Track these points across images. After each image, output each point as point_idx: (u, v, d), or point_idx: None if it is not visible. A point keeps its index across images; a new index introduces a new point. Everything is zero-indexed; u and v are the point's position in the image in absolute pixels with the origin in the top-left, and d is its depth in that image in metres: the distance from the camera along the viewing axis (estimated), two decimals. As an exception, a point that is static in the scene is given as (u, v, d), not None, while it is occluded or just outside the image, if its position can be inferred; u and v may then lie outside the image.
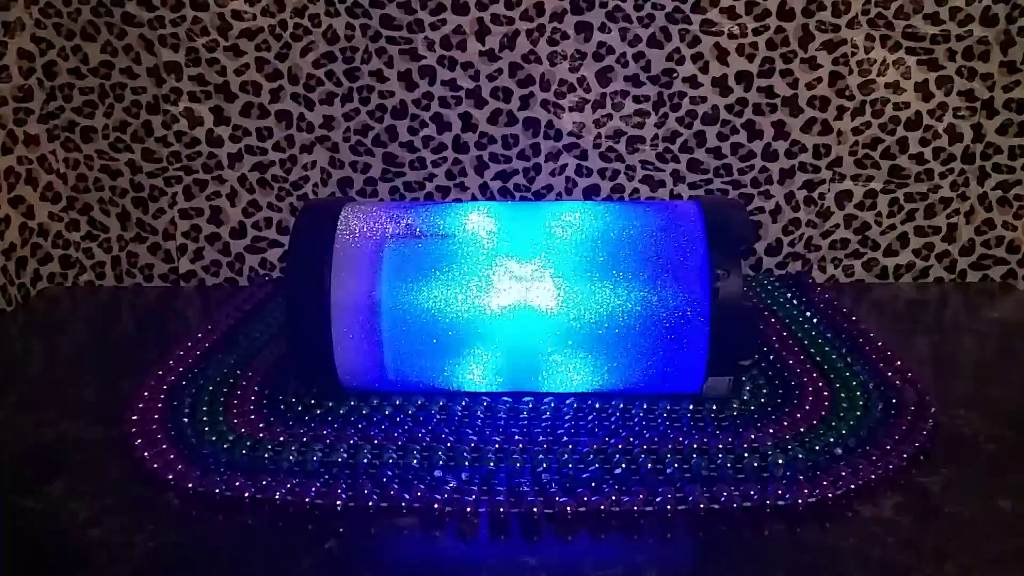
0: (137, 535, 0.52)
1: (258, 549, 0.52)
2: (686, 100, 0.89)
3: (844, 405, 0.64)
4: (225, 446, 0.59)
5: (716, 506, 0.53)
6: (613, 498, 0.53)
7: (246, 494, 0.55)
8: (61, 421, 0.65)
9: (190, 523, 0.54)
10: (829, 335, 0.75)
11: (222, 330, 0.77)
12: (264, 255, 0.94)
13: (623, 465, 0.56)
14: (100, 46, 0.87)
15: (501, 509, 0.53)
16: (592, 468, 0.56)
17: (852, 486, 0.55)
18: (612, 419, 0.62)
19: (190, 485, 0.56)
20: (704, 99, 0.88)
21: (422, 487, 0.55)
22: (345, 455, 0.58)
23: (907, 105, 0.88)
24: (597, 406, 0.64)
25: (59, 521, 0.53)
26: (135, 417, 0.63)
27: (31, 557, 0.51)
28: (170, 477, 0.57)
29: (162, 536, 0.52)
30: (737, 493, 0.54)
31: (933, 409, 0.63)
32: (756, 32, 0.86)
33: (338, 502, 0.54)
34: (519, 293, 0.62)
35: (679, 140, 0.90)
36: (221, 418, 0.63)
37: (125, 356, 0.76)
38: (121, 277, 0.96)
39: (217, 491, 0.55)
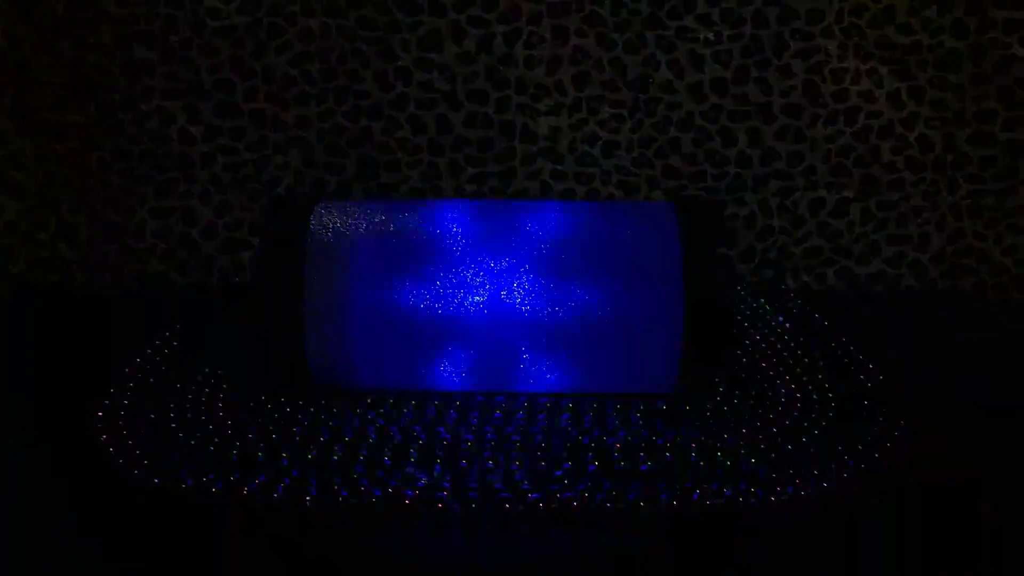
0: (103, 532, 0.51)
1: (227, 546, 0.51)
2: (661, 106, 0.89)
3: (816, 407, 0.64)
4: (193, 442, 0.59)
5: (688, 503, 0.53)
6: (586, 495, 0.53)
7: (214, 490, 0.54)
8: (28, 419, 0.64)
9: (157, 520, 0.53)
10: (801, 339, 0.75)
11: (192, 329, 0.76)
12: (235, 256, 0.93)
13: (596, 463, 0.56)
14: (73, 42, 0.87)
15: (473, 506, 0.53)
16: (565, 466, 0.56)
17: (824, 485, 0.55)
18: (586, 418, 0.62)
19: (157, 480, 0.55)
20: (679, 105, 0.89)
21: (393, 484, 0.54)
22: (316, 452, 0.57)
23: (880, 114, 0.89)
24: (571, 405, 0.64)
25: (23, 519, 0.52)
26: (102, 414, 0.62)
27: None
28: (137, 473, 0.56)
29: (128, 533, 0.52)
30: (710, 491, 0.54)
31: (904, 410, 0.63)
32: (731, 39, 0.87)
33: (308, 498, 0.54)
34: (493, 292, 0.61)
35: (654, 145, 0.90)
36: (190, 415, 0.62)
37: (93, 355, 0.75)
38: (90, 277, 0.94)
39: (185, 487, 0.54)
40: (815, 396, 0.65)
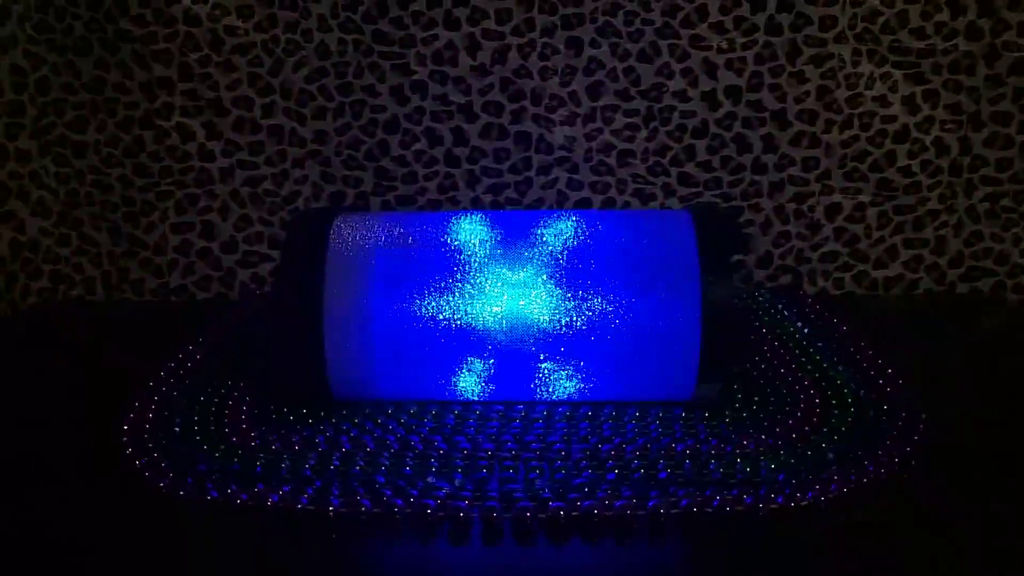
0: (129, 542, 0.52)
1: (251, 556, 0.52)
2: (676, 114, 0.89)
3: (835, 412, 0.64)
4: (217, 454, 0.59)
5: (708, 510, 0.53)
6: (605, 503, 0.53)
7: (238, 501, 0.55)
8: (53, 432, 0.65)
9: (182, 531, 0.53)
10: (820, 344, 0.75)
11: (214, 342, 0.77)
12: (255, 269, 0.94)
13: (615, 471, 0.56)
14: (93, 61, 0.88)
15: (494, 515, 0.53)
16: (584, 474, 0.56)
17: (844, 490, 0.55)
18: (604, 426, 0.63)
19: (182, 492, 0.56)
20: (694, 113, 0.89)
21: (415, 494, 0.55)
22: (338, 462, 0.58)
23: (894, 118, 0.89)
24: (589, 413, 0.64)
25: (51, 529, 0.53)
26: (127, 427, 0.63)
27: (21, 565, 0.50)
28: (162, 485, 0.56)
29: (154, 543, 0.52)
30: (729, 498, 0.54)
31: (923, 415, 0.63)
32: (745, 47, 0.87)
33: (331, 508, 0.54)
34: (511, 301, 0.62)
35: (669, 154, 0.90)
36: (213, 427, 0.63)
37: (116, 369, 0.75)
38: (112, 292, 0.95)
39: (209, 498, 0.55)
40: (834, 401, 0.65)
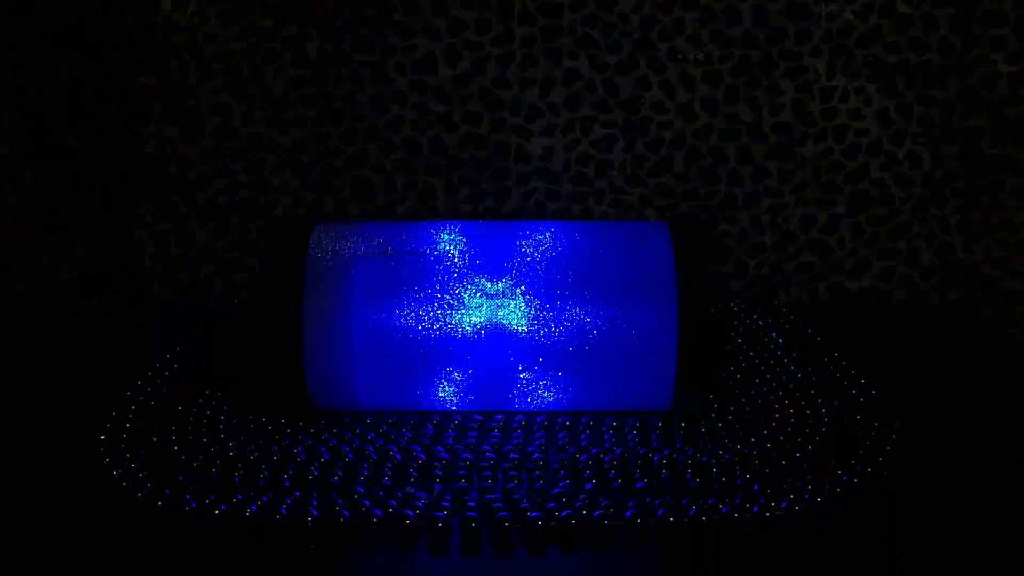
0: (107, 553, 0.52)
1: (229, 567, 0.52)
2: (653, 125, 0.90)
3: (809, 421, 0.65)
4: (195, 464, 0.59)
5: (684, 520, 0.54)
6: (583, 512, 0.54)
7: (217, 511, 0.55)
8: (29, 441, 0.65)
9: (161, 540, 0.53)
10: (795, 354, 0.76)
11: (192, 351, 0.77)
12: (233, 277, 0.94)
13: (593, 480, 0.57)
14: (72, 68, 0.87)
15: (472, 524, 0.54)
16: (562, 483, 0.57)
17: (818, 499, 0.55)
18: (582, 436, 0.63)
19: (160, 503, 0.55)
20: (671, 124, 0.90)
21: (393, 503, 0.55)
22: (317, 472, 0.58)
23: (868, 131, 0.90)
24: (567, 423, 0.65)
25: (27, 539, 0.53)
26: (104, 436, 0.62)
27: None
28: (140, 495, 0.56)
29: (133, 553, 0.52)
30: (705, 506, 0.54)
31: (896, 424, 0.64)
32: (721, 60, 0.88)
33: (309, 519, 0.54)
34: (490, 311, 0.62)
35: (646, 165, 0.91)
36: (191, 437, 0.63)
37: (94, 377, 0.75)
38: (89, 299, 0.95)
39: (188, 508, 0.55)
40: (808, 411, 0.66)
